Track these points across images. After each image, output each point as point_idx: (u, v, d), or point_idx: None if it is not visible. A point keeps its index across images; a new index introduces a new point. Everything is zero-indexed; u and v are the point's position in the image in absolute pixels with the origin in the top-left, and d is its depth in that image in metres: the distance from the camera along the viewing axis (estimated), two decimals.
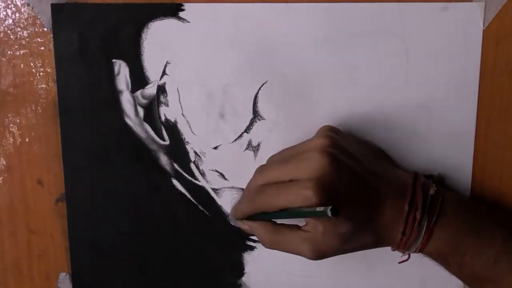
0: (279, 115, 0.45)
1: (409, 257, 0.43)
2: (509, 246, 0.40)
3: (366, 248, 0.41)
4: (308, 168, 0.37)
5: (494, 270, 0.40)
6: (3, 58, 0.45)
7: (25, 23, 0.44)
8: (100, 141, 0.46)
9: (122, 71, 0.44)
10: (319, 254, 0.39)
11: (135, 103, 0.45)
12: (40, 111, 0.46)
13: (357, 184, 0.38)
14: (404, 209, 0.39)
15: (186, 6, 0.43)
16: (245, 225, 0.43)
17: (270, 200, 0.39)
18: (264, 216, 0.41)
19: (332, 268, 0.47)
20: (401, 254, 0.42)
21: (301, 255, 0.40)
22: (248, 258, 0.47)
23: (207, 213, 0.47)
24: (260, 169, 0.42)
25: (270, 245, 0.41)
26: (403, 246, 0.40)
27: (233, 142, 0.45)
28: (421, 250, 0.40)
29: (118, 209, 0.47)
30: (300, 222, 0.40)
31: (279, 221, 0.41)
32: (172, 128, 0.45)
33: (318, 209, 0.35)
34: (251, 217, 0.42)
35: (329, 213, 0.34)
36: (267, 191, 0.39)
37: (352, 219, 0.38)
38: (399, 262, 0.43)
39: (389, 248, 0.46)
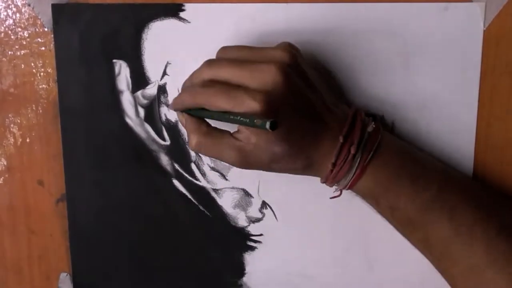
0: None
1: (340, 193, 0.42)
2: (443, 194, 0.40)
3: (294, 173, 0.40)
4: (261, 79, 0.36)
5: (426, 217, 0.39)
6: (4, 58, 0.45)
7: (26, 23, 0.44)
8: (101, 142, 0.46)
9: (122, 71, 0.44)
10: (244, 164, 0.39)
11: (136, 103, 0.45)
12: (40, 111, 0.46)
13: (303, 109, 0.38)
14: (339, 141, 0.38)
15: (187, 6, 0.43)
16: (182, 118, 0.40)
17: (213, 99, 0.37)
18: (201, 113, 0.39)
19: (332, 268, 0.47)
20: (333, 190, 0.42)
21: (226, 161, 0.39)
22: (249, 258, 0.47)
23: (208, 213, 0.47)
24: (210, 64, 0.39)
25: (195, 147, 0.39)
26: (332, 178, 0.39)
27: None
28: (351, 187, 0.40)
29: (119, 209, 0.47)
30: (232, 128, 0.39)
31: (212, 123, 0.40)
32: (172, 128, 0.45)
33: (256, 120, 0.34)
34: (189, 111, 0.40)
35: (267, 125, 0.33)
36: (213, 88, 0.37)
37: (288, 141, 0.37)
38: (331, 198, 0.43)
39: (389, 247, 0.46)
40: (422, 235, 0.40)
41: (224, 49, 0.40)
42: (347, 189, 0.40)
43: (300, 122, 0.38)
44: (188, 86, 0.40)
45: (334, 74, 0.44)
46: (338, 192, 0.42)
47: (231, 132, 0.39)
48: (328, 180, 0.40)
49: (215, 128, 0.40)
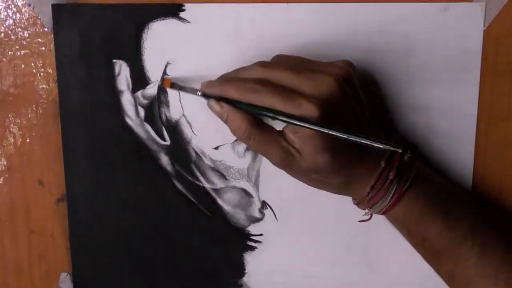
0: None
1: (370, 217, 0.43)
2: (474, 232, 0.40)
3: (329, 189, 0.40)
4: (318, 87, 0.37)
5: (456, 252, 0.40)
6: (4, 59, 0.45)
7: (26, 24, 0.44)
8: (101, 142, 0.46)
9: (122, 72, 0.44)
10: (285, 166, 0.39)
11: (136, 103, 0.45)
12: (40, 111, 0.46)
13: (353, 125, 0.38)
14: (381, 165, 0.39)
15: (187, 6, 0.43)
16: (220, 108, 0.39)
17: (268, 98, 0.37)
18: (247, 107, 0.38)
19: (332, 268, 0.47)
20: (363, 213, 0.42)
21: (269, 157, 0.39)
22: (249, 258, 0.47)
23: (208, 213, 0.47)
24: (264, 64, 0.39)
25: (244, 135, 0.38)
26: (368, 201, 0.40)
27: (234, 142, 0.45)
28: (385, 212, 0.40)
29: (119, 209, 0.47)
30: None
31: None
32: (172, 129, 0.45)
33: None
34: (225, 101, 0.39)
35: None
36: (268, 87, 0.37)
37: (333, 154, 0.37)
38: (360, 221, 0.43)
39: (389, 247, 0.46)
40: (449, 268, 0.41)
41: (279, 56, 0.41)
42: (380, 214, 0.41)
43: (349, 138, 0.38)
44: (235, 79, 0.40)
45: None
46: (368, 216, 0.43)
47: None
48: (363, 203, 0.40)
49: (265, 123, 0.40)
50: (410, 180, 0.39)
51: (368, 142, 0.36)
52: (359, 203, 0.41)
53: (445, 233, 0.40)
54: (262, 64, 0.39)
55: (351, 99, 0.38)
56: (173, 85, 0.42)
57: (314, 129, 0.36)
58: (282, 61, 0.40)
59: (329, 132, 0.36)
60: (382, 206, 0.40)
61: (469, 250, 0.40)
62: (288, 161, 0.38)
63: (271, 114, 0.37)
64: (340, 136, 0.36)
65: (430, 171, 0.43)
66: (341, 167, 0.39)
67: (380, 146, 0.35)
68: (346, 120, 0.38)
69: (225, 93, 0.39)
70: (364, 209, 0.42)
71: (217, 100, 0.39)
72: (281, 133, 0.39)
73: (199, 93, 0.41)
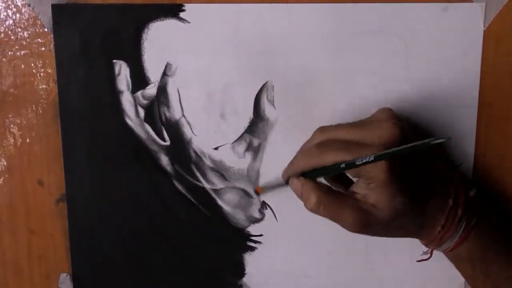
0: (279, 115, 0.45)
1: (430, 256, 0.43)
2: None
3: (406, 234, 0.40)
4: (380, 134, 0.37)
5: None
6: (4, 59, 0.45)
7: (26, 24, 0.44)
8: (101, 142, 0.46)
9: (122, 72, 0.44)
10: (364, 225, 0.38)
11: (136, 103, 0.45)
12: (40, 111, 0.46)
13: (417, 162, 0.39)
14: (449, 203, 0.39)
15: (187, 6, 0.43)
16: (296, 182, 0.40)
17: (334, 154, 0.38)
18: (316, 173, 0.39)
19: (332, 268, 0.47)
20: (422, 252, 0.43)
21: (343, 224, 0.38)
22: (249, 258, 0.47)
23: (208, 214, 0.47)
24: (322, 129, 0.40)
25: (315, 205, 0.38)
26: (438, 240, 0.40)
27: (233, 142, 0.45)
28: (453, 249, 0.40)
29: (119, 209, 0.47)
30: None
31: None
32: (172, 129, 0.45)
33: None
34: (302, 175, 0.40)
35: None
36: (331, 146, 0.38)
37: (409, 195, 0.38)
38: (418, 261, 0.44)
39: (389, 247, 0.46)
40: None
41: (323, 128, 0.41)
42: (447, 251, 0.41)
43: (416, 175, 0.38)
44: (300, 152, 0.41)
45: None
46: (428, 255, 0.43)
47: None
48: (434, 242, 0.40)
49: (335, 190, 0.40)
50: (476, 217, 0.40)
51: (420, 144, 0.36)
52: (429, 243, 0.41)
53: (505, 270, 0.40)
54: (320, 130, 0.40)
55: (409, 135, 0.38)
56: (265, 189, 0.45)
57: (380, 159, 0.36)
58: (338, 124, 0.41)
59: (390, 153, 0.36)
60: (451, 244, 0.40)
61: None
62: (365, 220, 0.38)
63: (340, 167, 0.37)
64: (397, 151, 0.36)
65: (491, 207, 0.43)
66: (417, 207, 0.39)
67: (439, 141, 0.35)
68: (412, 159, 0.38)
69: (296, 170, 0.40)
70: (432, 249, 0.42)
71: (297, 177, 0.40)
72: (351, 194, 0.39)
73: (286, 183, 0.42)
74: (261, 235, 0.47)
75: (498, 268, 0.41)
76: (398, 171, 0.37)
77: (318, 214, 0.39)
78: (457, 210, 0.39)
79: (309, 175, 0.40)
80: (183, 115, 0.45)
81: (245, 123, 0.45)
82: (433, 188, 0.39)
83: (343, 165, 0.37)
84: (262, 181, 0.46)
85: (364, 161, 0.36)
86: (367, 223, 0.38)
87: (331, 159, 0.38)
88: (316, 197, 0.38)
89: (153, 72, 0.44)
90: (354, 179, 0.40)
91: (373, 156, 0.36)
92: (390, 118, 0.38)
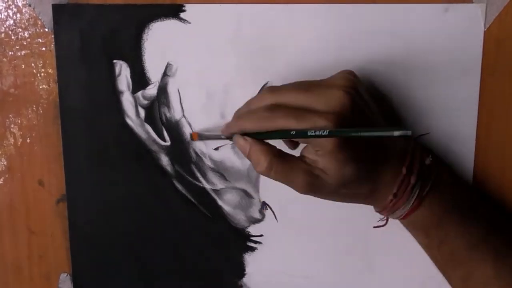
0: None
1: (386, 222, 0.43)
2: (490, 234, 0.41)
3: (356, 201, 0.40)
4: (329, 102, 0.36)
5: (472, 255, 0.40)
6: (4, 59, 0.45)
7: (26, 24, 0.44)
8: (101, 142, 0.46)
9: (123, 72, 0.44)
10: (311, 188, 0.38)
11: (136, 103, 0.45)
12: (41, 111, 0.46)
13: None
14: (402, 172, 0.39)
15: (187, 7, 0.43)
16: (243, 141, 0.39)
17: (282, 121, 0.37)
18: (264, 135, 0.39)
19: (332, 268, 0.47)
20: (378, 219, 0.43)
21: (293, 186, 0.38)
22: (249, 259, 0.47)
23: (208, 214, 0.47)
24: (271, 89, 0.39)
25: (266, 168, 0.38)
26: (390, 208, 0.40)
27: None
28: (405, 217, 0.40)
29: (119, 209, 0.47)
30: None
31: None
32: (173, 129, 0.45)
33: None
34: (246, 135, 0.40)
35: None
36: (281, 111, 0.37)
37: (358, 163, 0.37)
38: (374, 227, 0.44)
39: (389, 247, 0.46)
40: (464, 272, 0.41)
41: (283, 85, 0.40)
42: (400, 219, 0.41)
43: (366, 146, 0.38)
44: (247, 112, 0.40)
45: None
46: (384, 222, 0.43)
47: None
48: (386, 209, 0.40)
49: (285, 152, 0.39)
50: (430, 185, 0.40)
51: (381, 133, 0.35)
52: (381, 210, 0.41)
53: (461, 236, 0.40)
54: (270, 90, 0.39)
55: (362, 107, 0.38)
56: (201, 136, 0.44)
57: (333, 136, 0.35)
58: (288, 85, 0.40)
59: (345, 134, 0.35)
60: (404, 211, 0.40)
61: (485, 254, 0.40)
62: (314, 184, 0.38)
63: (291, 133, 0.37)
64: (353, 135, 0.35)
65: (448, 174, 0.43)
66: (367, 175, 0.38)
67: (394, 133, 0.34)
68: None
69: (242, 129, 0.39)
70: (385, 216, 0.42)
71: (241, 134, 0.39)
72: (301, 158, 0.39)
73: (223, 137, 0.41)
74: (261, 235, 0.47)
75: (454, 234, 0.40)
76: (348, 141, 0.36)
77: (268, 177, 0.39)
78: (410, 178, 0.39)
79: (256, 136, 0.39)
80: (184, 115, 0.45)
81: None
82: (386, 156, 0.39)
83: (293, 133, 0.37)
84: (262, 182, 0.46)
85: (317, 133, 0.35)
86: (316, 186, 0.38)
87: (281, 125, 0.37)
88: (267, 161, 0.38)
89: (154, 72, 0.44)
90: (303, 144, 0.40)
91: (327, 131, 0.35)
92: (344, 85, 0.37)
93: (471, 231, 0.40)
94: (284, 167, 0.38)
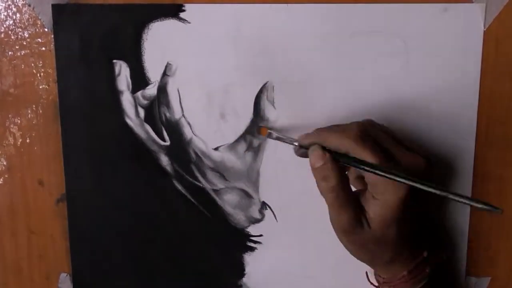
0: (279, 115, 0.45)
1: None
2: None
3: (374, 262, 0.41)
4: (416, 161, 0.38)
5: None
6: (4, 59, 0.45)
7: (26, 24, 0.44)
8: (101, 142, 0.46)
9: (122, 72, 0.44)
10: (348, 232, 0.38)
11: (136, 103, 0.45)
12: (40, 111, 0.46)
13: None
14: (423, 254, 0.40)
15: (187, 6, 0.43)
16: (322, 154, 0.38)
17: (370, 151, 0.37)
18: (345, 158, 0.38)
19: (332, 268, 0.47)
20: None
21: (335, 217, 0.39)
22: (249, 258, 0.47)
23: (208, 214, 0.47)
24: (359, 123, 0.39)
25: (330, 189, 0.38)
26: (395, 285, 0.40)
27: (234, 142, 0.45)
28: None
29: (119, 209, 0.47)
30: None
31: None
32: (172, 129, 0.45)
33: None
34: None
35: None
36: (371, 141, 0.37)
37: (400, 229, 0.38)
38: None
39: None
40: None
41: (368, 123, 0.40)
42: None
43: (412, 219, 0.39)
44: (335, 130, 0.39)
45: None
46: None
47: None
48: (389, 283, 0.40)
49: (349, 185, 0.39)
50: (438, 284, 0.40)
51: (467, 201, 0.34)
52: (382, 283, 0.41)
53: None
54: (358, 123, 0.39)
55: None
56: (270, 134, 0.43)
57: (410, 182, 0.35)
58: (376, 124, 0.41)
59: (425, 187, 0.35)
60: None
61: None
62: (354, 228, 0.38)
63: (369, 169, 0.36)
64: (433, 191, 0.35)
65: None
66: (402, 243, 0.39)
67: (479, 206, 0.34)
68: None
69: (325, 141, 0.38)
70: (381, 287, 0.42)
71: (322, 147, 0.38)
72: (358, 198, 0.39)
73: (296, 144, 0.40)
74: (261, 235, 0.47)
75: None
76: (408, 203, 0.37)
77: (324, 196, 0.38)
78: (426, 267, 0.40)
79: (338, 156, 0.38)
80: (183, 115, 0.45)
81: (245, 123, 0.45)
82: (415, 237, 0.40)
83: (376, 170, 0.36)
84: (262, 182, 0.46)
85: (396, 174, 0.35)
86: (354, 231, 0.38)
87: (368, 155, 0.36)
88: (336, 181, 0.38)
89: (153, 72, 0.44)
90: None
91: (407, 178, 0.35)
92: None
93: None
94: (343, 195, 0.38)
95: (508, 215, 0.45)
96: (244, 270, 0.48)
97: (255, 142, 0.45)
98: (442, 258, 0.41)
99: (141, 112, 0.45)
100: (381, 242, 0.38)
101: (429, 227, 0.44)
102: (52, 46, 0.44)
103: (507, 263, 0.46)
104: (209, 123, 0.45)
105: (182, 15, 0.43)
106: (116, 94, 0.45)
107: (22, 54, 0.45)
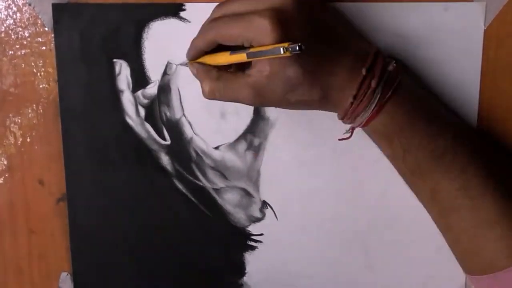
0: (280, 114, 0.45)
1: (351, 135, 0.41)
2: (457, 144, 0.39)
3: (310, 107, 0.39)
4: (271, 0, 0.35)
5: (438, 165, 0.39)
6: (4, 58, 0.45)
7: (26, 23, 0.44)
8: (101, 141, 0.46)
9: (123, 71, 0.44)
10: (260, 100, 0.37)
11: (136, 103, 0.45)
12: (41, 111, 0.46)
13: (319, 32, 0.37)
14: (361, 73, 0.37)
15: (187, 6, 0.43)
16: (192, 67, 0.40)
17: (223, 29, 0.36)
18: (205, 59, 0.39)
19: (332, 267, 0.47)
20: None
21: (242, 102, 0.38)
22: (249, 258, 0.47)
23: (208, 213, 0.47)
24: (220, 4, 0.39)
25: (208, 94, 0.38)
26: (351, 113, 0.38)
27: (234, 141, 0.45)
28: (366, 124, 0.39)
29: (119, 209, 0.47)
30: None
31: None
32: (173, 128, 0.45)
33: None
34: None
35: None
36: (221, 20, 0.37)
37: (303, 65, 0.36)
38: (339, 139, 0.42)
39: (389, 247, 0.46)
40: (431, 185, 0.39)
41: (219, 4, 0.40)
42: (362, 127, 0.39)
43: (315, 46, 0.36)
44: (200, 30, 0.40)
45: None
46: (348, 134, 0.41)
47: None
48: (347, 115, 0.39)
49: (226, 71, 0.39)
50: (392, 90, 0.38)
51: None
52: (343, 117, 0.39)
53: (425, 146, 0.38)
54: (219, 6, 0.39)
55: (318, 9, 0.37)
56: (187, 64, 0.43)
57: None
58: None
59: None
60: (364, 118, 0.38)
61: (452, 163, 0.38)
62: (261, 94, 0.37)
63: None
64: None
65: (414, 84, 0.42)
66: (316, 77, 0.37)
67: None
68: (314, 32, 0.36)
69: (197, 46, 0.39)
70: (348, 123, 0.40)
71: (192, 61, 0.40)
72: (247, 70, 0.38)
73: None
74: (261, 234, 0.47)
75: (419, 142, 0.38)
76: (290, 36, 0.34)
77: (215, 99, 0.39)
78: (370, 82, 0.37)
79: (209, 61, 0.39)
80: (184, 115, 0.45)
81: (245, 123, 0.45)
82: (339, 57, 0.37)
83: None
84: (263, 181, 0.46)
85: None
86: (262, 96, 0.37)
87: (225, 33, 0.36)
88: (208, 85, 0.38)
89: (154, 71, 0.44)
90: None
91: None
92: None
93: (436, 141, 0.38)
94: (227, 87, 0.38)
95: None
96: (244, 269, 0.48)
97: (256, 141, 0.45)
98: (388, 68, 0.38)
99: (142, 111, 0.45)
100: (295, 87, 0.37)
101: (356, 34, 0.41)
102: (53, 45, 0.44)
103: None
104: (210, 122, 0.45)
105: (182, 14, 0.43)
106: (116, 93, 0.45)
107: (23, 53, 0.45)
